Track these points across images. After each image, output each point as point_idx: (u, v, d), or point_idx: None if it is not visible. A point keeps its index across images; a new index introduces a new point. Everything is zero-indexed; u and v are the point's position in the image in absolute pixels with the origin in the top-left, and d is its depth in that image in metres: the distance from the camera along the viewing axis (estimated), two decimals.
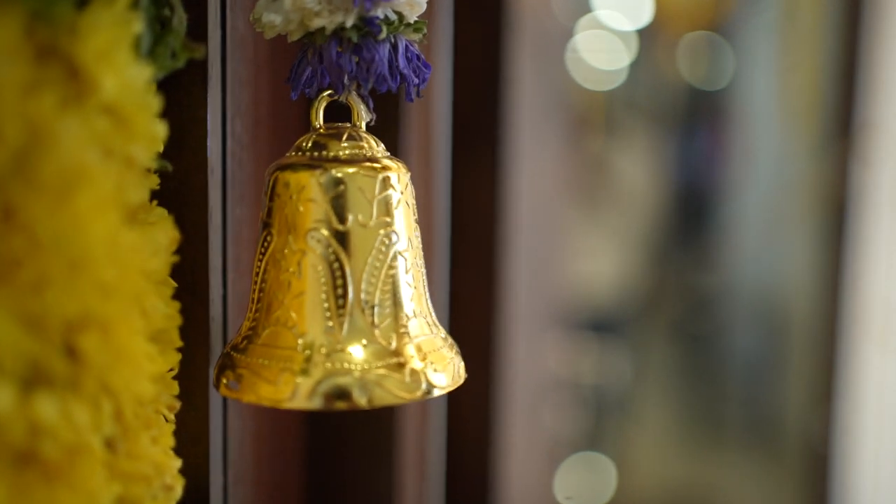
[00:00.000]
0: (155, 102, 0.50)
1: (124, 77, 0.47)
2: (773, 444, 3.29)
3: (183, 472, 0.60)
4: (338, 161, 0.57)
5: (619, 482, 3.20)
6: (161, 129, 0.51)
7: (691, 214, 3.59)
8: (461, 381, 0.60)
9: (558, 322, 2.03)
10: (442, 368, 0.57)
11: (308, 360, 0.55)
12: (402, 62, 0.57)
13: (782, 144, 3.26)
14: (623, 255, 3.44)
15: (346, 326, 0.56)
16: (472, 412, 1.07)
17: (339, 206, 0.56)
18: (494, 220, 1.07)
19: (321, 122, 0.60)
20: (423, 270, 0.61)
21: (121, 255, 0.47)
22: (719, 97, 3.53)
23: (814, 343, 2.90)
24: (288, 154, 0.59)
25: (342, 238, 0.56)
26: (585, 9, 3.43)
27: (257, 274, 0.59)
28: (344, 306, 0.56)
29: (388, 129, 0.77)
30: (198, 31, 0.59)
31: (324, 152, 0.58)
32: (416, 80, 0.58)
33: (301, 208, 0.56)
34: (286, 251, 0.57)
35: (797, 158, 3.11)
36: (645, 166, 3.43)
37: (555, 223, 1.87)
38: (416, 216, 0.61)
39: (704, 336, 3.53)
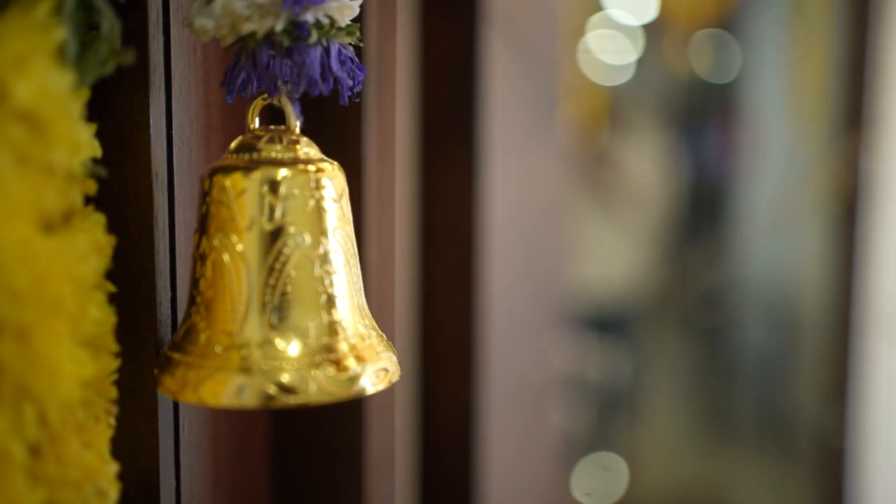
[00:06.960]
0: (77, 108, 0.50)
1: (41, 84, 0.47)
2: (785, 438, 3.26)
3: (132, 476, 0.60)
4: (264, 163, 0.57)
5: (631, 479, 3.19)
6: (85, 135, 0.51)
7: (701, 210, 3.57)
8: (377, 383, 0.58)
9: (561, 321, 2.02)
10: (344, 369, 0.56)
11: (218, 355, 0.56)
12: (335, 65, 0.57)
13: (792, 138, 3.24)
14: (633, 251, 3.42)
15: (248, 325, 0.56)
16: (450, 413, 1.07)
17: (257, 207, 0.57)
18: (471, 219, 1.06)
19: (256, 125, 0.61)
20: (355, 268, 0.61)
21: (37, 261, 0.47)
22: (729, 91, 3.51)
23: (825, 337, 2.88)
24: (223, 157, 0.60)
25: (257, 239, 0.56)
26: (593, 5, 3.41)
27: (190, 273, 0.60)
28: (250, 306, 0.56)
29: (347, 130, 0.77)
30: (138, 36, 0.59)
31: (254, 154, 0.58)
32: (350, 83, 0.58)
33: (221, 211, 0.57)
34: (207, 250, 0.58)
35: (807, 152, 3.08)
36: (654, 162, 3.40)
37: (555, 221, 1.86)
38: (349, 215, 0.61)
39: (716, 331, 3.51)
